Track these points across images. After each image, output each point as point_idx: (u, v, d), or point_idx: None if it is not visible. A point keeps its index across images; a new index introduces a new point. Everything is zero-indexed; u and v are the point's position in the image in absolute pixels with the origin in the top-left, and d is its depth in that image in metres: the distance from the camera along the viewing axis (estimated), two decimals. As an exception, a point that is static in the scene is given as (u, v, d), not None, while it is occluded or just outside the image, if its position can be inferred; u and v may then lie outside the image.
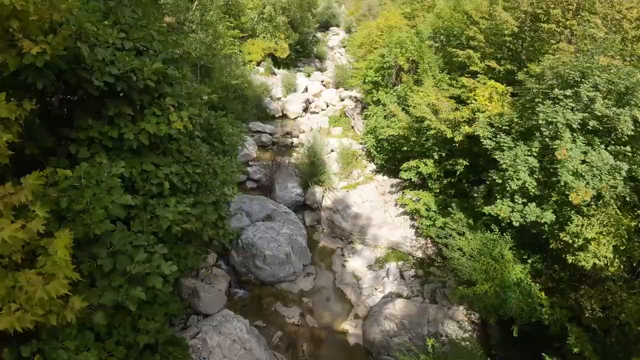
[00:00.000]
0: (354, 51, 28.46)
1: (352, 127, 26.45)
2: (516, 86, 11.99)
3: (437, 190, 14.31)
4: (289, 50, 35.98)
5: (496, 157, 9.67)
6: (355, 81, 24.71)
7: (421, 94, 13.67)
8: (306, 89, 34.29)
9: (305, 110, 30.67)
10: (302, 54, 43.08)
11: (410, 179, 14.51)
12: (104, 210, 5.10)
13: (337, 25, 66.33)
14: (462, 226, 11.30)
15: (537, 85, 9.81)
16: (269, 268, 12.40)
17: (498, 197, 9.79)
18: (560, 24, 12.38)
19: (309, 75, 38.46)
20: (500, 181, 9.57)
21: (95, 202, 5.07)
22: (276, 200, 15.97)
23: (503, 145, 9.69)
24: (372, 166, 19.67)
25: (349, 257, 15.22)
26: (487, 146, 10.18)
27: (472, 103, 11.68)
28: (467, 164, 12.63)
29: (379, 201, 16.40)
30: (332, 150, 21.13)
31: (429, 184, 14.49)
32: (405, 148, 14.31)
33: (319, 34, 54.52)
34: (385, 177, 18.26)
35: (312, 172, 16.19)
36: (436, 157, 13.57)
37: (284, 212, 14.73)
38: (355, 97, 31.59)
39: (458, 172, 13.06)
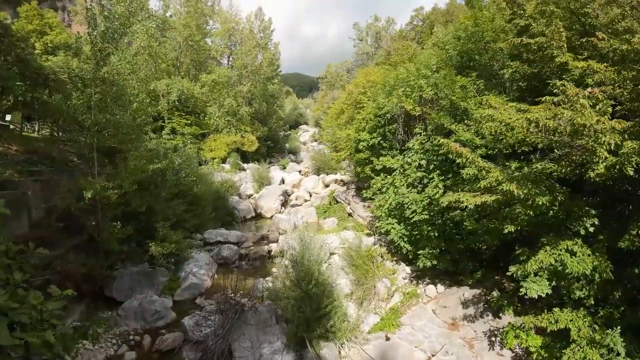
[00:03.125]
0: (332, 122, 22.54)
1: (350, 214, 18.70)
2: None
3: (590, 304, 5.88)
4: (257, 143, 30.26)
5: None
6: (344, 154, 17.87)
7: (506, 112, 6.32)
8: (282, 181, 27.47)
9: (284, 204, 23.13)
10: (274, 149, 38.04)
11: (536, 294, 6.06)
12: None
13: (306, 123, 64.92)
14: None
15: None
16: None
17: None
18: None
19: (284, 167, 32.27)
20: None
21: None
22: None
23: None
24: (405, 268, 11.21)
25: None
26: None
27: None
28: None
29: (456, 347, 7.49)
30: (332, 254, 12.80)
31: (574, 293, 6.10)
32: (509, 229, 6.20)
33: (289, 131, 51.44)
34: (441, 287, 9.67)
35: (309, 313, 7.18)
36: (582, 231, 5.57)
37: None
38: (342, 180, 24.84)
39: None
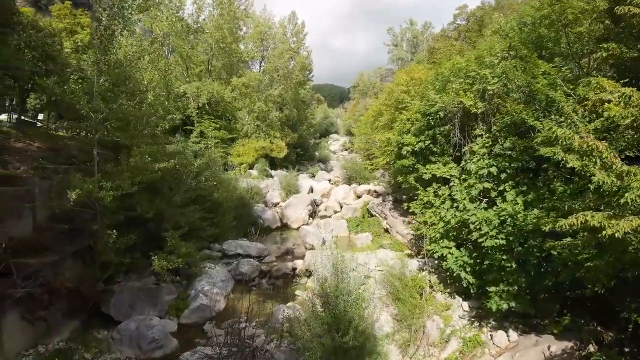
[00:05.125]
0: (366, 129, 20.36)
1: (387, 230, 16.32)
2: None
3: None
4: (286, 149, 28.74)
5: None
6: (382, 160, 15.65)
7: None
8: (311, 190, 25.54)
9: (312, 215, 21.15)
10: (303, 156, 36.46)
11: None
12: None
13: (336, 132, 63.22)
14: None
15: None
16: None
17: None
18: None
19: (313, 176, 30.44)
20: None
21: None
22: None
23: None
24: (462, 303, 8.71)
25: None
26: None
27: None
28: None
29: None
30: (366, 277, 10.56)
31: None
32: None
33: (320, 139, 49.96)
34: (513, 333, 7.12)
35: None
36: None
37: None
38: (376, 191, 22.50)
39: None
